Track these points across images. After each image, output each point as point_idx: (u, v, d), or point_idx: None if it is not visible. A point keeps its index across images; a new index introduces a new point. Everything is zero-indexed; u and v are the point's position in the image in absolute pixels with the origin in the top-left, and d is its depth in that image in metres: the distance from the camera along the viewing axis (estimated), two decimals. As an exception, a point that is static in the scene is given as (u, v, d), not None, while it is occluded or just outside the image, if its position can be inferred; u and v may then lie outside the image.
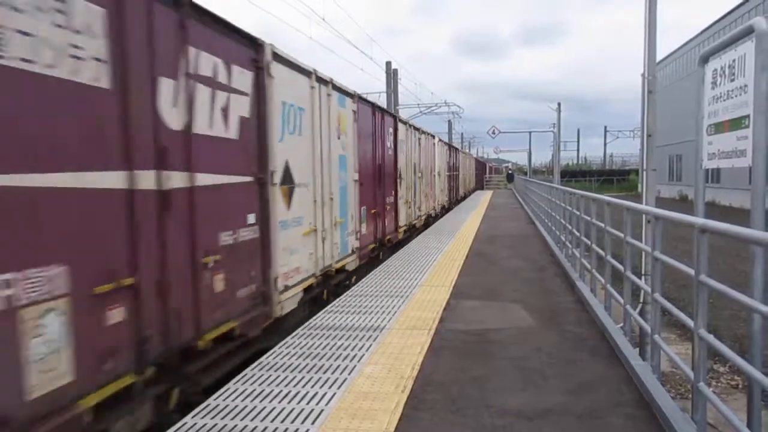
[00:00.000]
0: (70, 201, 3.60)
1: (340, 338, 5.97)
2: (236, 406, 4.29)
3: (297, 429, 3.92)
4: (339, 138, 9.16)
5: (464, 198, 36.95)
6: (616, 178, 69.72)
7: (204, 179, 5.06)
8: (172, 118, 4.66)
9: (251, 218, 6.00)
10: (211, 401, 4.40)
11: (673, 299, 8.25)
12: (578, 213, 9.16)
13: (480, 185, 59.83)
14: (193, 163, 4.89)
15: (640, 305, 8.19)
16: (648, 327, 5.01)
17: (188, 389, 4.91)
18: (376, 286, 8.62)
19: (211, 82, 5.29)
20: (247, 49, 5.99)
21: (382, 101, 31.60)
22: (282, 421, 4.03)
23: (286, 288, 6.86)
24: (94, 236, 3.81)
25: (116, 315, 3.97)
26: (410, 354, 5.44)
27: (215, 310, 5.19)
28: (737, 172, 25.92)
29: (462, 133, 79.63)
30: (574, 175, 72.52)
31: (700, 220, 3.71)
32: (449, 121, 55.29)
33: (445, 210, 25.66)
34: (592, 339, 5.93)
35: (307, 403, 4.33)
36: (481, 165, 68.60)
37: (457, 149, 35.87)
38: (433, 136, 21.94)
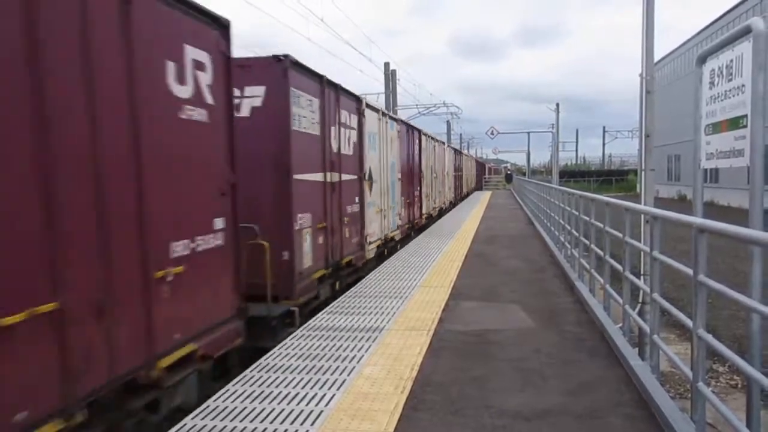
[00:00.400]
0: (311, 186, 7.78)
1: (340, 339, 5.97)
2: (236, 408, 4.29)
3: (297, 430, 3.92)
4: (391, 150, 13.26)
5: (467, 195, 39.99)
6: (615, 178, 69.70)
7: (344, 177, 9.28)
8: (334, 146, 8.86)
9: (356, 199, 10.08)
10: (210, 402, 4.40)
11: (672, 299, 8.25)
12: (577, 213, 9.17)
13: (479, 185, 60.05)
14: (341, 168, 9.11)
15: (639, 305, 8.20)
16: (647, 327, 5.01)
17: (342, 281, 9.31)
18: (376, 286, 8.62)
19: (345, 125, 9.48)
20: (356, 102, 10.17)
21: (380, 102, 31.60)
22: (281, 422, 4.03)
23: (370, 243, 10.89)
24: (315, 202, 7.96)
25: (320, 240, 8.14)
26: (409, 355, 5.45)
27: (347, 246, 9.46)
28: (735, 172, 25.97)
29: (461, 134, 79.65)
30: (572, 175, 72.51)
31: (698, 220, 3.72)
32: (448, 121, 55.31)
33: (452, 205, 29.21)
34: (591, 339, 5.94)
35: (307, 404, 4.33)
36: (480, 166, 70.24)
37: (461, 152, 39.78)
38: (444, 143, 25.64)
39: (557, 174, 39.22)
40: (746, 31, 3.86)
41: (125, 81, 3.94)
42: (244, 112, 6.89)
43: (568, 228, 10.12)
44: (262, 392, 4.58)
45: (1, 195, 3.04)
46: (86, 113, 3.59)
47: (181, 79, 4.57)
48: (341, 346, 5.75)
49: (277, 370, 5.07)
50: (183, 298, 4.55)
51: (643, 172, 9.02)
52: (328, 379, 4.83)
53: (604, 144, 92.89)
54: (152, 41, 4.22)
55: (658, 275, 4.85)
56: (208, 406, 4.32)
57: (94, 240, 3.65)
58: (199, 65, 4.84)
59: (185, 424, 4.04)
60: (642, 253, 6.87)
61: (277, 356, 5.46)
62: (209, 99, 4.99)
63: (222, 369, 5.64)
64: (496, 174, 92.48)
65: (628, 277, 5.79)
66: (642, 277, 7.38)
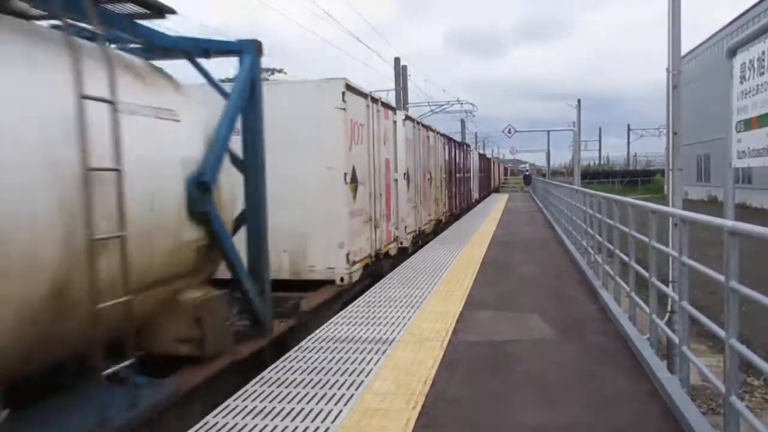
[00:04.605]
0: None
1: (347, 351, 5.95)
2: (236, 425, 4.27)
3: (301, 448, 3.90)
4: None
5: (490, 193, 46.26)
6: (641, 179, 69.28)
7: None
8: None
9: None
10: (209, 419, 4.39)
11: (703, 307, 8.15)
12: (600, 216, 9.10)
13: (495, 188, 60.32)
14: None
15: (667, 314, 8.12)
16: (676, 338, 4.96)
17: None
18: (385, 295, 8.59)
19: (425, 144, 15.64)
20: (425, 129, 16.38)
21: (390, 99, 31.53)
22: (285, 440, 4.01)
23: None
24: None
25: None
26: (422, 368, 5.42)
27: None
28: (770, 172, 25.67)
29: (476, 133, 79.40)
30: (596, 176, 72.16)
31: (729, 223, 3.67)
32: (462, 120, 55.21)
33: (483, 197, 38.10)
34: (615, 351, 5.88)
35: (312, 421, 4.31)
36: (504, 168, 74.43)
37: (489, 158, 49.95)
38: (481, 153, 33.46)
39: (579, 175, 39.04)
40: (779, 21, 3.81)
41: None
42: None
43: (591, 232, 10.05)
44: (264, 408, 4.56)
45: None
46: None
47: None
48: (349, 358, 5.73)
49: (280, 385, 5.06)
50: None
51: (670, 173, 8.95)
52: (334, 394, 4.81)
53: (629, 143, 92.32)
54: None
55: (687, 282, 4.80)
56: (206, 423, 4.31)
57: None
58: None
59: (183, 442, 4.03)
60: (670, 258, 6.80)
61: (280, 370, 5.45)
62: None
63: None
64: (513, 176, 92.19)
65: (655, 284, 5.73)
66: (670, 284, 7.31)
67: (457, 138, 32.29)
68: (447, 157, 20.84)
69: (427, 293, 8.66)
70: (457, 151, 24.40)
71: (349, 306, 7.99)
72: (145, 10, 4.77)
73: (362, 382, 5.08)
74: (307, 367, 5.49)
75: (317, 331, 6.74)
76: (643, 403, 4.57)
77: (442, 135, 19.79)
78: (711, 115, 33.47)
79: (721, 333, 3.80)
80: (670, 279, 7.68)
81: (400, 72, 31.59)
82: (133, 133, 4.26)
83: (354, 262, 8.96)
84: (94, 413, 3.83)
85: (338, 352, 5.92)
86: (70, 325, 3.87)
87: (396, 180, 12.45)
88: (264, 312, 6.12)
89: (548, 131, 57.88)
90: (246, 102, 5.95)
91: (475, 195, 32.96)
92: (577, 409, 4.50)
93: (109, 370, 3.79)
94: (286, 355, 5.92)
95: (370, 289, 9.11)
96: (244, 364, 5.63)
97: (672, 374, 4.93)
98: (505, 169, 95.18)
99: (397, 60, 31.89)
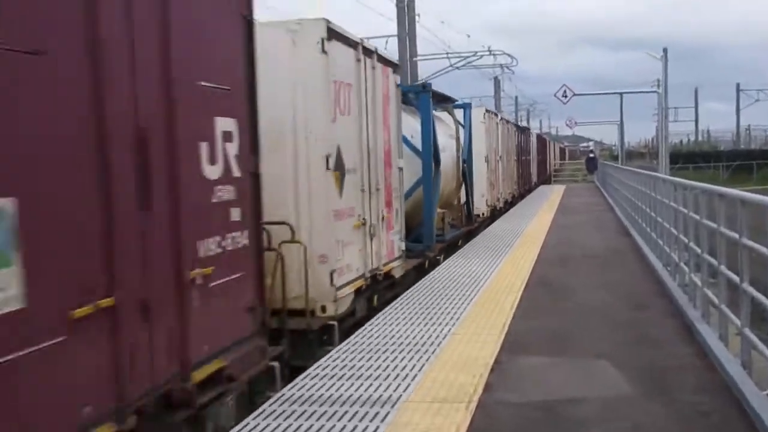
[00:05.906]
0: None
1: (330, 418, 5.95)
2: None
3: None
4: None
5: (542, 182, 55.22)
6: (757, 162, 69.56)
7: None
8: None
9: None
10: None
11: None
12: (697, 218, 9.09)
13: (549, 176, 60.92)
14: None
15: (796, 359, 8.11)
16: (810, 394, 4.93)
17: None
18: (387, 333, 8.62)
19: (507, 135, 33.39)
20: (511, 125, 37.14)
21: (391, 49, 31.59)
22: None
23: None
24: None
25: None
26: (439, 441, 5.41)
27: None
28: None
29: (516, 97, 79.52)
30: (691, 158, 72.55)
31: None
32: (496, 78, 55.36)
33: (541, 183, 51.89)
34: (723, 413, 5.90)
35: None
36: (559, 149, 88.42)
37: (544, 138, 66.36)
38: (537, 134, 50.62)
39: (666, 157, 39.18)
40: None
41: None
42: None
43: (684, 240, 10.04)
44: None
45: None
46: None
47: None
48: (332, 428, 5.72)
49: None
50: None
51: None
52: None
53: (738, 110, 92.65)
54: None
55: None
56: None
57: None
58: None
59: None
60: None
61: (234, 445, 5.43)
62: None
63: None
64: (573, 159, 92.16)
65: (779, 317, 5.72)
66: (800, 316, 7.30)
67: (488, 104, 33.59)
68: (516, 142, 35.15)
69: (448, 330, 8.67)
70: (522, 136, 38.58)
71: (333, 352, 8.00)
72: (453, 101, 21.14)
73: (352, 462, 5.08)
74: (272, 442, 5.47)
75: (285, 390, 6.73)
76: (763, 491, 4.55)
77: (514, 124, 38.90)
78: None
79: None
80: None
81: (405, 9, 31.57)
82: (457, 143, 20.40)
83: (488, 206, 25.17)
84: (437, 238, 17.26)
85: (317, 419, 5.92)
86: (449, 206, 20.40)
87: (497, 160, 27.63)
88: (472, 215, 22.41)
89: (621, 94, 57.99)
90: (468, 130, 21.79)
91: (534, 179, 47.88)
92: (667, 500, 4.48)
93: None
94: (242, 423, 5.91)
95: (366, 325, 9.13)
96: (468, 233, 21.21)
97: (805, 448, 4.91)
98: (561, 150, 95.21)
99: (400, -7, 31.86)
